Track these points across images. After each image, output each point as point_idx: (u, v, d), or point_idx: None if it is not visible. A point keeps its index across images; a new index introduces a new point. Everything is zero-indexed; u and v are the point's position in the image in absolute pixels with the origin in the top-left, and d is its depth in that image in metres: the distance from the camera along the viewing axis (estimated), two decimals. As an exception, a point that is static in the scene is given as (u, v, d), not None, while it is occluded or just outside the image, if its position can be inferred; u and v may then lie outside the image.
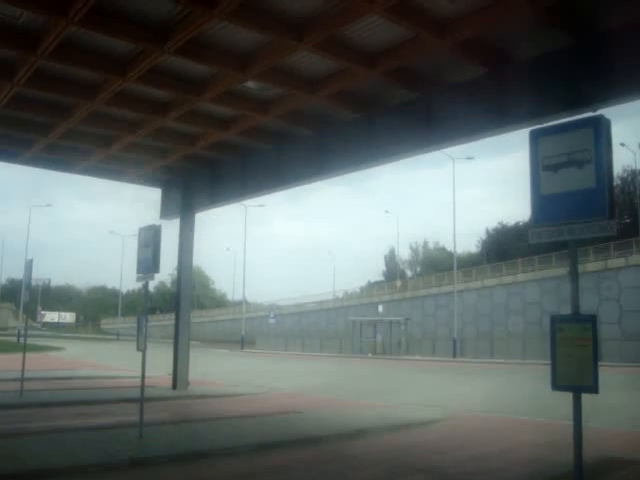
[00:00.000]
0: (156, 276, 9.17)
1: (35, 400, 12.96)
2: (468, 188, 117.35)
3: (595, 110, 7.94)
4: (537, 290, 48.05)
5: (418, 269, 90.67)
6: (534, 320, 46.15)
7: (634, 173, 59.95)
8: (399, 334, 47.57)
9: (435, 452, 8.78)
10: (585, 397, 4.53)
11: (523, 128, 9.21)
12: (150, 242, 9.08)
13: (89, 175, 17.59)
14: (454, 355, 41.17)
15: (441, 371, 29.48)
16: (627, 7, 7.93)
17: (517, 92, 9.47)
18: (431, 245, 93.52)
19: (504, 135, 10.80)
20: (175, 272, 23.14)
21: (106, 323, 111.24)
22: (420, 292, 58.83)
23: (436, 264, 77.84)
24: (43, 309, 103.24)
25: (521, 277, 50.51)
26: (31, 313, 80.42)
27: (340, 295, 76.19)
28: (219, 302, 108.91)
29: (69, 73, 10.93)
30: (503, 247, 67.35)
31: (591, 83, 8.41)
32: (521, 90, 9.37)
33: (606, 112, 5.39)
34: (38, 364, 22.82)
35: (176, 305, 17.43)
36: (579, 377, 4.49)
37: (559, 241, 4.83)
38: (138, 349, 9.06)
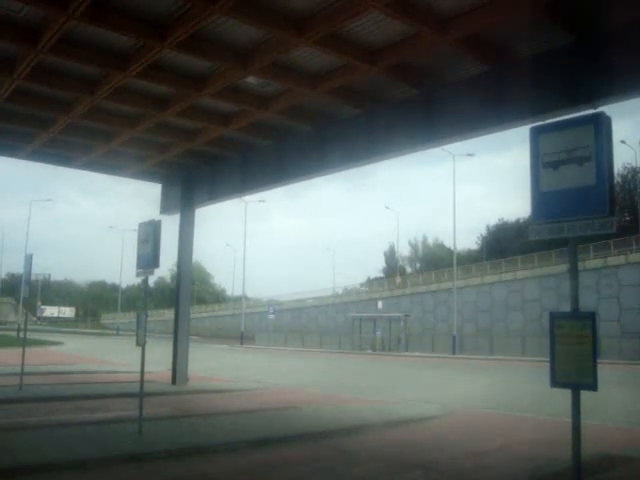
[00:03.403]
0: (156, 271, 9.17)
1: (34, 394, 12.98)
2: (468, 185, 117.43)
3: (596, 107, 7.92)
4: (537, 287, 48.11)
5: (418, 265, 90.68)
6: (533, 317, 46.23)
7: (634, 170, 59.94)
8: (398, 330, 47.59)
9: (434, 448, 8.79)
10: (584, 394, 4.54)
11: (523, 125, 9.21)
12: (150, 237, 9.07)
13: (89, 170, 17.58)
14: (453, 352, 41.20)
15: (440, 367, 29.53)
16: (628, 5, 7.92)
17: (518, 89, 9.47)
18: (431, 241, 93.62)
19: (505, 132, 10.80)
20: (175, 267, 23.15)
21: (106, 318, 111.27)
22: (420, 289, 58.85)
23: (436, 260, 77.90)
24: (43, 304, 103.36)
25: (521, 274, 50.54)
26: (31, 308, 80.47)
27: (340, 291, 76.27)
28: (219, 297, 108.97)
29: (70, 68, 10.91)
30: (503, 244, 67.34)
31: (592, 80, 8.40)
32: (522, 87, 9.36)
33: (607, 109, 5.36)
34: (37, 358, 22.85)
35: (175, 300, 17.44)
36: (578, 374, 4.49)
37: (559, 238, 4.83)
38: (138, 344, 9.07)
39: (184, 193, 17.27)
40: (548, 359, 4.70)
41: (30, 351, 17.09)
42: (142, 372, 9.14)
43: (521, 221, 67.71)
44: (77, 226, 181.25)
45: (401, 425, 10.70)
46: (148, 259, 9.10)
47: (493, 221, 79.84)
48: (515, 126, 9.97)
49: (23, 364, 13.77)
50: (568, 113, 7.20)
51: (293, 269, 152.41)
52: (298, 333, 58.91)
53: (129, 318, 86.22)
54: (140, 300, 79.06)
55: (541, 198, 4.87)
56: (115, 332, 78.03)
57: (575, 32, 8.58)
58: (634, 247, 45.08)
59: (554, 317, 4.73)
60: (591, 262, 44.52)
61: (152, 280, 11.98)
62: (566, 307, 4.96)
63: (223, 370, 23.88)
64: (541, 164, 4.87)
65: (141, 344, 8.98)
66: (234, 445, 8.39)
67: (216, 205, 18.19)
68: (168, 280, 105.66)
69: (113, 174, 17.82)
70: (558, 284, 43.95)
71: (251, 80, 10.95)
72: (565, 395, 4.69)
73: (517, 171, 77.56)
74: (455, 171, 45.65)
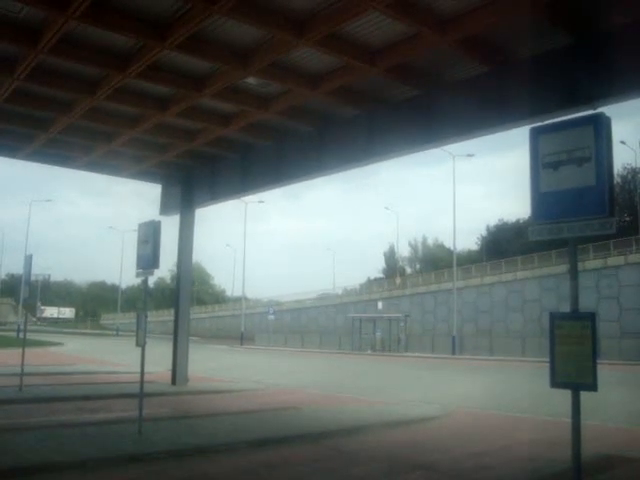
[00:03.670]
0: (156, 272, 9.18)
1: (34, 395, 12.98)
2: (468, 185, 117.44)
3: (595, 108, 7.92)
4: (537, 288, 48.12)
5: (418, 266, 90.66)
6: (533, 317, 46.24)
7: (634, 171, 59.95)
8: (398, 331, 47.58)
9: (434, 449, 8.79)
10: (584, 394, 4.54)
11: (523, 125, 9.22)
12: (150, 238, 9.08)
13: (89, 170, 17.57)
14: (453, 352, 41.20)
15: (440, 368, 29.52)
16: (628, 6, 7.92)
17: (517, 90, 9.47)
18: (430, 242, 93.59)
19: (504, 132, 10.79)
20: (175, 268, 23.16)
21: (105, 318, 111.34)
22: (419, 289, 58.86)
23: (436, 261, 77.91)
24: (43, 304, 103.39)
25: (521, 275, 50.55)
26: (31, 308, 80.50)
27: (340, 292, 76.28)
28: (219, 298, 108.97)
29: (69, 68, 10.91)
30: (503, 244, 67.33)
31: (591, 81, 8.41)
32: (521, 88, 9.37)
33: (606, 110, 5.38)
34: (37, 359, 22.85)
35: (175, 301, 17.44)
36: (578, 374, 4.49)
37: (559, 239, 4.83)
38: (137, 345, 9.07)
39: (184, 193, 17.27)
40: (548, 359, 4.70)
41: (30, 352, 17.09)
42: (142, 373, 9.14)
43: (521, 222, 67.67)
44: (77, 226, 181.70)
45: (401, 426, 10.69)
46: (148, 260, 9.10)
47: (493, 221, 79.96)
48: (515, 127, 9.98)
49: (23, 365, 13.77)
50: (568, 114, 7.21)
51: (293, 269, 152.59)
52: (298, 334, 58.88)
53: (129, 319, 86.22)
54: (140, 301, 79.07)
55: (541, 199, 4.87)
56: (115, 333, 78.02)
57: (575, 33, 8.58)
58: (634, 247, 45.09)
59: (554, 317, 4.73)
60: (591, 262, 44.53)
61: (152, 281, 11.98)
62: (566, 307, 4.96)
63: (223, 370, 23.87)
64: (541, 165, 4.87)
65: (141, 345, 8.98)
66: (234, 445, 8.39)
67: (216, 206, 18.24)
68: (168, 281, 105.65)
69: (113, 174, 17.83)
70: (558, 284, 43.96)
71: (251, 80, 10.95)
72: (565, 395, 4.69)
73: (517, 172, 77.61)
74: (455, 171, 45.73)
